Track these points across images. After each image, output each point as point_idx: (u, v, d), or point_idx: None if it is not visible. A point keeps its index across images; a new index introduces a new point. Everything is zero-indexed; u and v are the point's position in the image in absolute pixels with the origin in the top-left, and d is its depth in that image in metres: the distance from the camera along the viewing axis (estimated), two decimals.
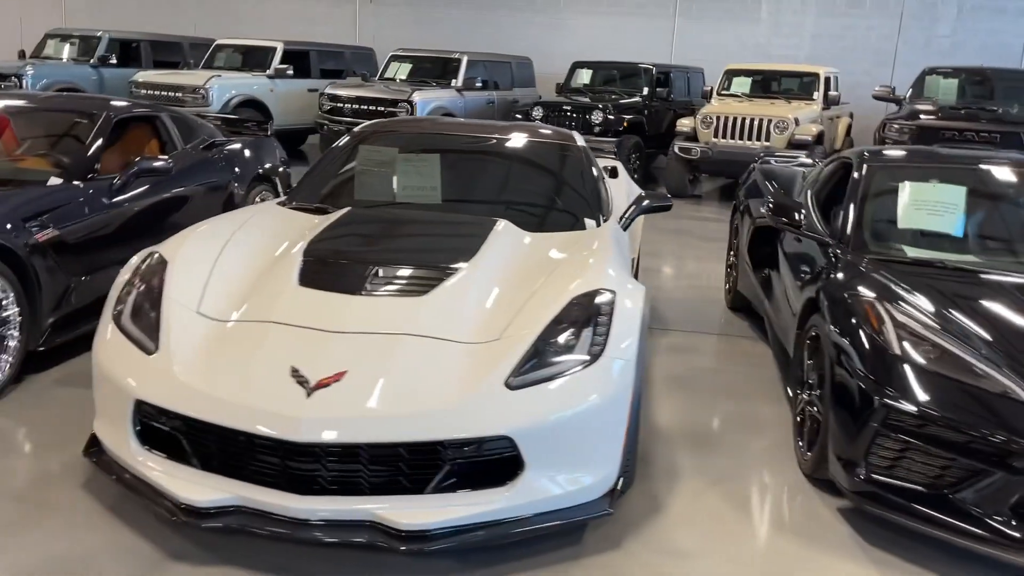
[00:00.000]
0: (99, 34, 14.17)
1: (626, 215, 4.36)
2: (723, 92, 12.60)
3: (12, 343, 3.91)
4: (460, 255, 3.41)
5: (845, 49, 15.20)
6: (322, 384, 2.64)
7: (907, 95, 11.80)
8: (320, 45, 14.66)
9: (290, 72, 13.33)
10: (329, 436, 2.55)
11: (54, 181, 4.45)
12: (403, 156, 4.41)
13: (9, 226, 3.91)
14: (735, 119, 11.29)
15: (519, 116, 12.79)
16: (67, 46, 14.31)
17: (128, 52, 14.58)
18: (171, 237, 3.58)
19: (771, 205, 4.32)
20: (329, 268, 3.28)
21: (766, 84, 12.67)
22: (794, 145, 10.95)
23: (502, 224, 3.76)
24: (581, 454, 2.76)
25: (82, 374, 4.21)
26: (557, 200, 4.35)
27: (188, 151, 5.57)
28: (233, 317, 2.98)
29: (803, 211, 4.27)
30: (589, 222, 4.07)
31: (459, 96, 13.10)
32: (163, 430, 2.79)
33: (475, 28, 16.82)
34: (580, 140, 4.75)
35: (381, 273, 3.23)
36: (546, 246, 3.67)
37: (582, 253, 3.52)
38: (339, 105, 12.54)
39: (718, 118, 11.36)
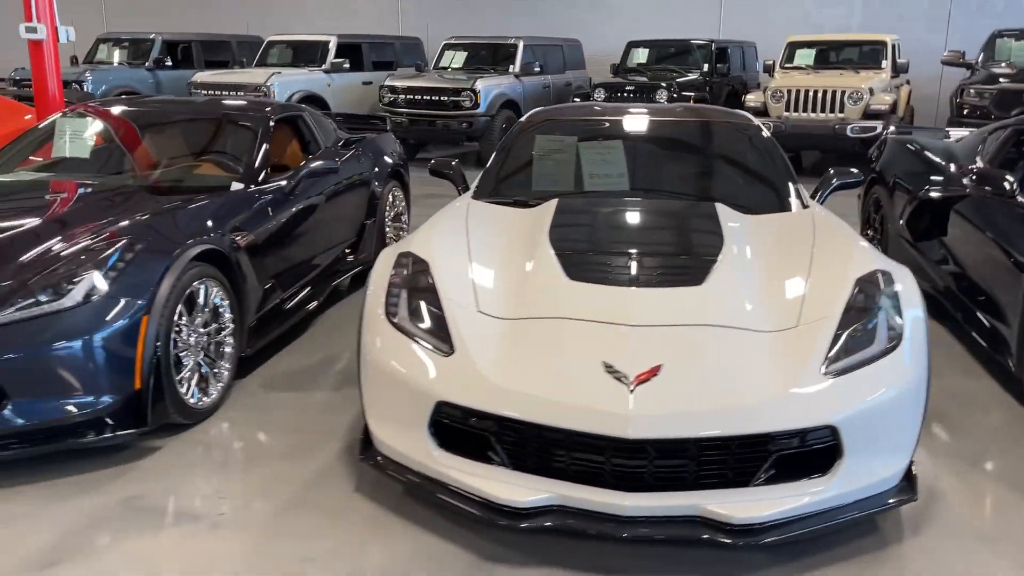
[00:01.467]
0: (152, 37, 14.11)
1: (820, 193, 4.31)
2: (786, 65, 12.47)
3: (228, 349, 3.89)
4: (707, 241, 3.38)
5: (897, 16, 15.01)
6: (641, 379, 2.60)
7: (978, 59, 11.67)
8: (371, 37, 14.57)
9: (346, 66, 13.27)
10: (660, 432, 2.52)
11: (236, 187, 4.42)
12: (585, 144, 4.36)
13: (221, 233, 3.89)
14: (807, 92, 11.16)
15: (577, 99, 12.72)
16: (118, 50, 14.27)
17: (178, 53, 14.53)
18: (407, 237, 3.54)
19: (977, 176, 4.26)
20: (587, 261, 3.24)
21: (830, 55, 12.54)
22: (869, 116, 10.85)
23: (722, 209, 3.72)
24: (889, 440, 2.73)
25: (283, 376, 4.20)
26: (755, 181, 4.30)
27: (334, 149, 5.53)
28: (517, 315, 2.94)
29: (1011, 180, 4.20)
30: (794, 202, 4.02)
31: (518, 82, 13.00)
32: (454, 431, 2.77)
33: (517, 12, 16.70)
34: (755, 119, 4.69)
35: (645, 263, 3.20)
36: (774, 228, 3.63)
37: (826, 234, 3.48)
38: (401, 97, 12.45)
39: (789, 91, 11.24)
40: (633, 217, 3.75)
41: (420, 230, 3.60)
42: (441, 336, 2.86)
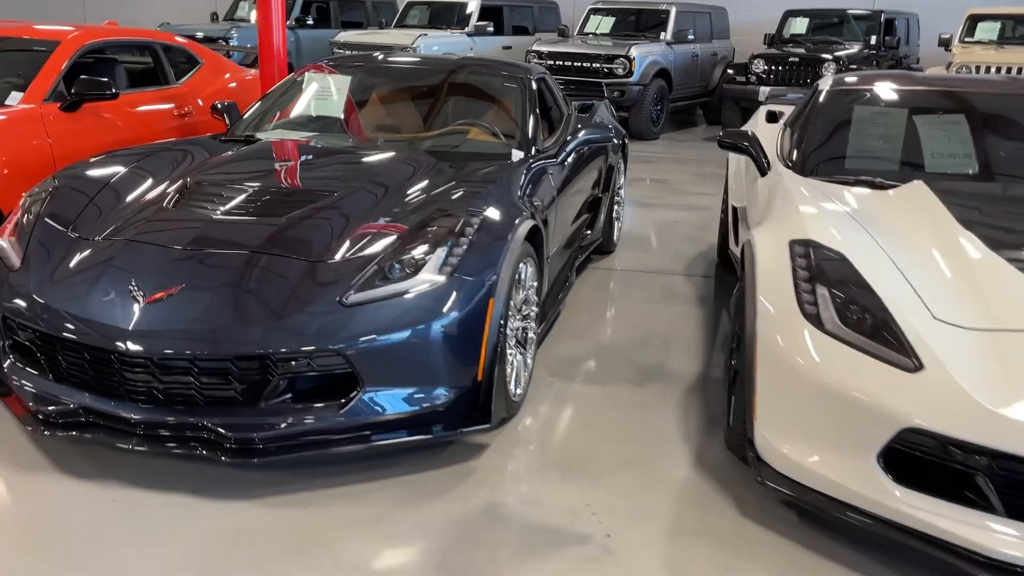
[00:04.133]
0: None
1: None
2: (967, 40, 11.55)
3: (531, 335, 3.50)
4: None
5: None
6: None
7: None
8: (514, 0, 14.05)
9: (490, 29, 12.83)
10: None
11: (517, 155, 4.02)
12: (923, 118, 3.81)
13: (530, 207, 3.49)
14: (996, 70, 10.29)
15: (731, 71, 12.03)
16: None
17: (313, 12, 14.26)
18: (769, 221, 3.07)
19: None
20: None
21: (1016, 29, 11.56)
22: None
23: None
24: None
25: (565, 364, 3.82)
26: None
27: (581, 116, 5.09)
28: (989, 325, 2.44)
29: None
30: None
31: (670, 50, 12.36)
32: (906, 462, 2.32)
33: None
34: None
35: None
36: None
37: None
38: (548, 63, 11.96)
39: (977, 68, 10.38)
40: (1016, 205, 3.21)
41: (780, 212, 3.12)
42: (899, 347, 2.39)
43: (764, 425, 2.59)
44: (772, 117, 5.25)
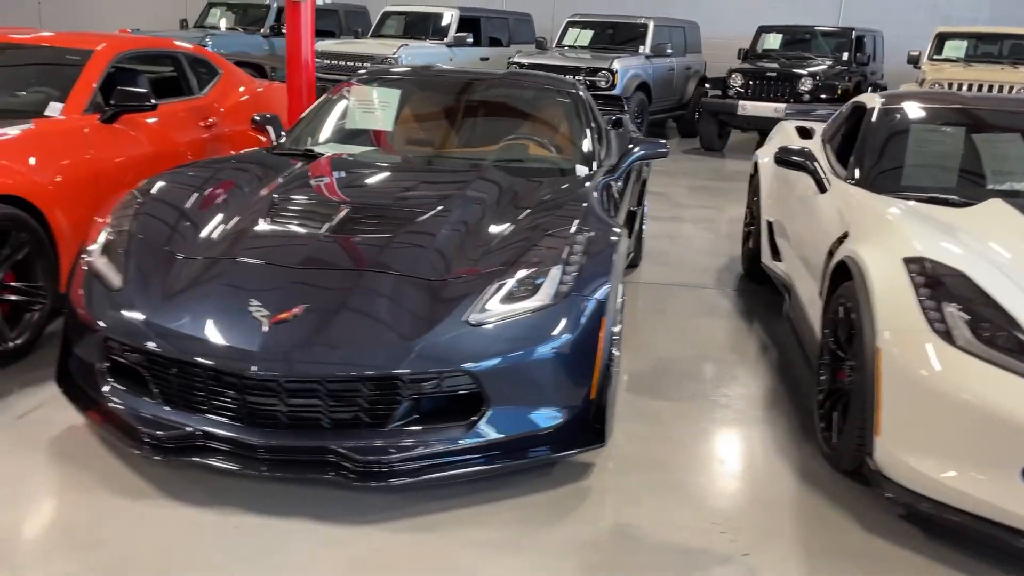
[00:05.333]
0: (267, 2, 13.67)
1: None
2: (935, 57, 11.97)
3: (616, 351, 3.49)
4: None
5: None
6: None
7: None
8: (488, 11, 14.11)
9: (470, 40, 12.84)
10: None
11: (581, 171, 4.02)
12: (982, 137, 3.94)
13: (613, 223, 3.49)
14: (967, 87, 10.67)
15: (707, 85, 12.25)
16: (231, 14, 13.83)
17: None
18: (877, 237, 3.10)
19: None
20: None
21: (980, 47, 12.02)
22: None
23: None
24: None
25: (623, 380, 3.82)
26: None
27: (618, 131, 5.12)
28: None
29: None
30: None
31: (649, 63, 12.53)
32: None
33: None
34: None
35: None
36: None
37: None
38: None
39: (950, 85, 10.75)
40: None
41: (877, 230, 3.17)
42: None
43: (890, 441, 2.63)
44: (805, 133, 5.36)
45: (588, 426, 2.86)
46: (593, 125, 4.37)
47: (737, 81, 11.97)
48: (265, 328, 2.61)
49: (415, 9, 13.58)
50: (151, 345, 2.67)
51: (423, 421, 2.70)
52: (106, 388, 2.83)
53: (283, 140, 4.35)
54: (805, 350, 3.85)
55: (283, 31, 13.60)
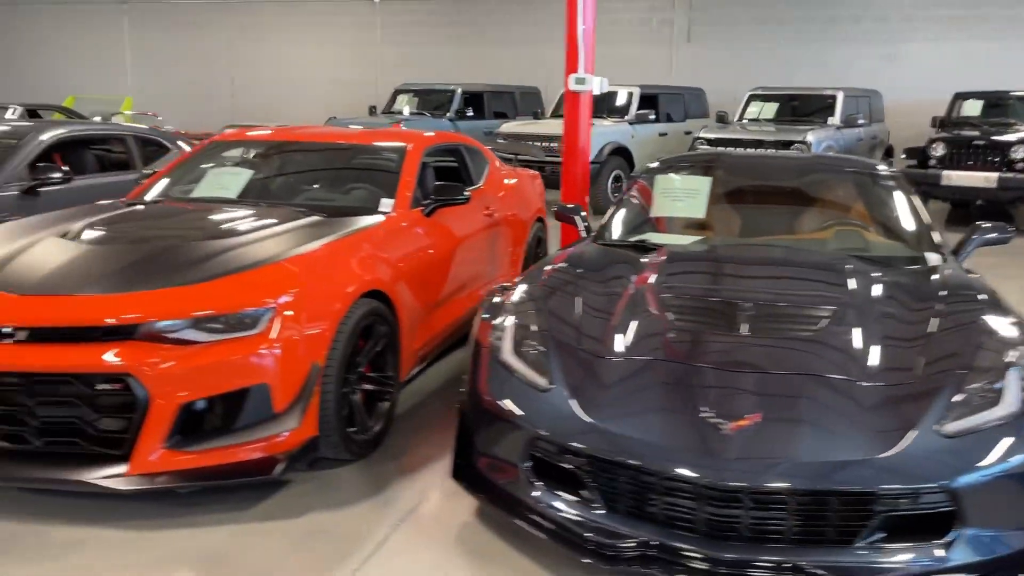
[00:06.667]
0: (452, 88, 14.23)
1: None
2: None
3: None
4: None
5: None
6: None
7: None
8: (664, 88, 14.19)
9: (652, 117, 12.93)
10: None
11: (933, 258, 3.83)
12: None
13: None
14: None
15: (904, 156, 11.81)
16: (417, 100, 14.46)
17: (468, 103, 14.58)
18: None
19: None
20: None
21: None
22: None
23: None
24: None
25: None
26: None
27: None
28: None
29: None
30: None
31: (840, 134, 12.25)
32: None
33: (798, 61, 15.96)
34: None
35: None
36: None
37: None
38: (716, 148, 11.92)
39: None
40: None
41: None
42: None
43: None
44: None
45: None
46: (919, 207, 4.18)
47: (939, 151, 11.51)
48: (727, 435, 2.52)
49: None
50: (600, 449, 2.62)
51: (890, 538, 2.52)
52: (536, 493, 2.79)
53: (606, 231, 4.33)
54: None
55: (468, 114, 14.20)
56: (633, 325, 3.10)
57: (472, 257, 5.00)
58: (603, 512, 2.66)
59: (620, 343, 2.99)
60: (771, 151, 5.04)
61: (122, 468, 3.03)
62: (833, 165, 4.60)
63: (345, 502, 3.30)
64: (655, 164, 4.79)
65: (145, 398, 3.00)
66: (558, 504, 2.74)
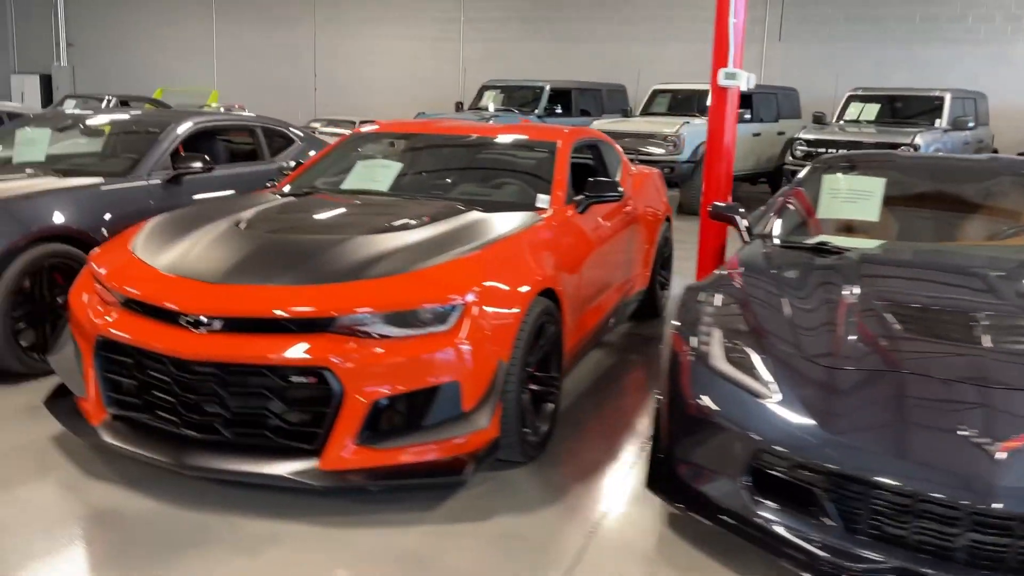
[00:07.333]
0: (540, 85, 14.12)
1: None
2: None
3: None
4: None
5: None
6: None
7: None
8: (758, 88, 13.83)
9: (747, 116, 12.63)
10: None
11: None
12: None
13: None
14: None
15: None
16: (503, 96, 14.37)
17: (554, 100, 14.44)
18: None
19: None
20: None
21: None
22: None
23: None
24: None
25: None
26: None
27: None
28: None
29: None
30: None
31: (947, 137, 11.80)
32: None
33: (894, 61, 15.45)
34: None
35: None
36: None
37: None
38: (818, 151, 11.57)
39: None
40: None
41: None
42: None
43: None
44: None
45: None
46: None
47: None
48: (996, 456, 2.34)
49: (683, 87, 13.58)
50: (845, 466, 2.46)
51: None
52: (758, 507, 2.63)
53: (773, 233, 4.15)
54: None
55: (555, 111, 14.06)
56: (862, 335, 2.92)
57: (616, 256, 4.87)
58: (838, 531, 2.50)
59: (851, 353, 2.81)
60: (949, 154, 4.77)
61: (313, 463, 2.96)
62: (1017, 168, 4.33)
63: (527, 506, 3.19)
64: (819, 163, 4.60)
65: (340, 393, 2.93)
66: (784, 518, 2.58)
